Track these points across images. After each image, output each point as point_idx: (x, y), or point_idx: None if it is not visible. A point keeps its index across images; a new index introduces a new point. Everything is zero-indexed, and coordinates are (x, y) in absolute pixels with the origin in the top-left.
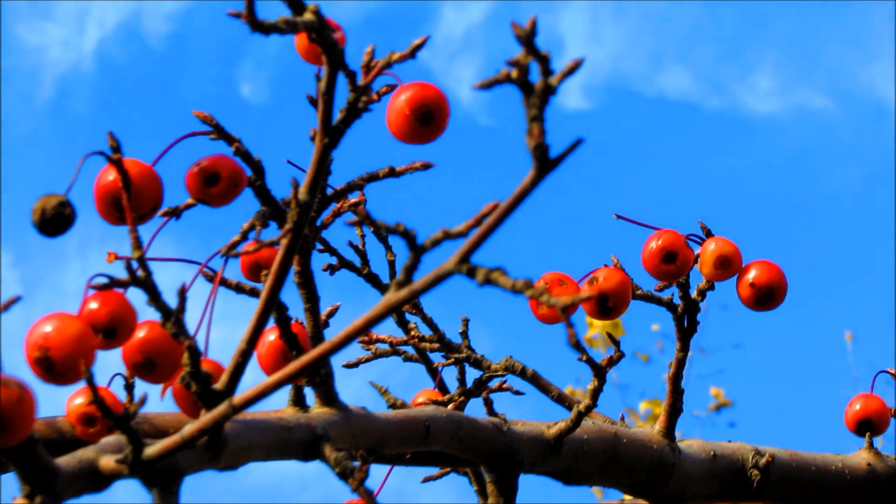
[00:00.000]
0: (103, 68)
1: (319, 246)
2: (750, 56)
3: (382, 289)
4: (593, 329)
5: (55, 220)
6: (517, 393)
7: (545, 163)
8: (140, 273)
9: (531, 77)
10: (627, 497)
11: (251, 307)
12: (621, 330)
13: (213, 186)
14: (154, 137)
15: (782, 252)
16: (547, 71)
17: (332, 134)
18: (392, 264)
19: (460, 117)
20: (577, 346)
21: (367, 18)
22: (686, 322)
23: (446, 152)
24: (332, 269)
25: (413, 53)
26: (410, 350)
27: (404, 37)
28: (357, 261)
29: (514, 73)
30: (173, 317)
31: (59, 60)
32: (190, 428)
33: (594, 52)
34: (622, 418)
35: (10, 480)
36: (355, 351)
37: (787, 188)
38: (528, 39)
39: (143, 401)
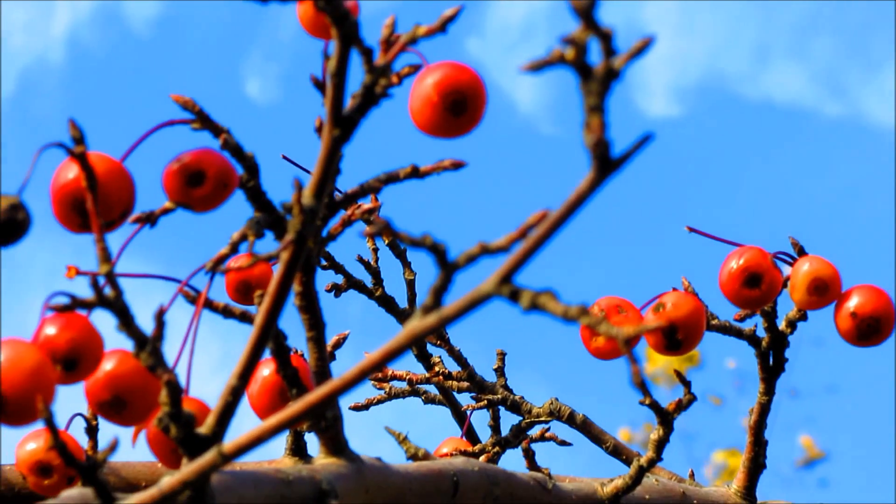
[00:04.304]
0: (75, 59)
1: (322, 262)
2: (878, 51)
3: (399, 314)
4: (653, 363)
5: (6, 227)
6: (564, 443)
7: (606, 163)
8: (108, 291)
9: (590, 58)
10: None
11: (244, 334)
12: (696, 361)
13: (196, 187)
14: (133, 140)
15: None
16: (609, 51)
17: (343, 124)
18: (411, 284)
19: (519, 124)
20: (642, 385)
21: None
22: (772, 359)
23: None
24: (337, 290)
25: (443, 27)
26: (433, 390)
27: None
28: (368, 280)
29: (570, 54)
30: (149, 345)
31: (22, 50)
32: (170, 480)
33: (685, 45)
34: (692, 474)
35: None
36: (365, 390)
37: None
38: (586, 12)
39: (113, 446)
